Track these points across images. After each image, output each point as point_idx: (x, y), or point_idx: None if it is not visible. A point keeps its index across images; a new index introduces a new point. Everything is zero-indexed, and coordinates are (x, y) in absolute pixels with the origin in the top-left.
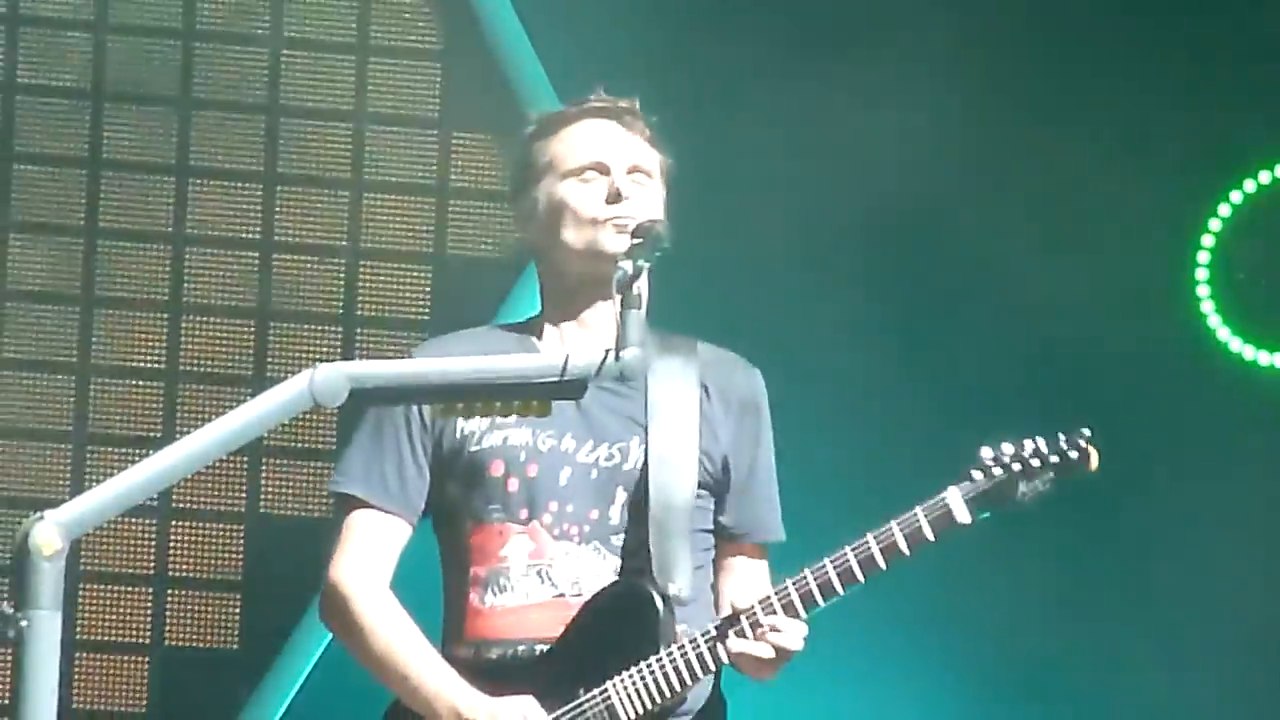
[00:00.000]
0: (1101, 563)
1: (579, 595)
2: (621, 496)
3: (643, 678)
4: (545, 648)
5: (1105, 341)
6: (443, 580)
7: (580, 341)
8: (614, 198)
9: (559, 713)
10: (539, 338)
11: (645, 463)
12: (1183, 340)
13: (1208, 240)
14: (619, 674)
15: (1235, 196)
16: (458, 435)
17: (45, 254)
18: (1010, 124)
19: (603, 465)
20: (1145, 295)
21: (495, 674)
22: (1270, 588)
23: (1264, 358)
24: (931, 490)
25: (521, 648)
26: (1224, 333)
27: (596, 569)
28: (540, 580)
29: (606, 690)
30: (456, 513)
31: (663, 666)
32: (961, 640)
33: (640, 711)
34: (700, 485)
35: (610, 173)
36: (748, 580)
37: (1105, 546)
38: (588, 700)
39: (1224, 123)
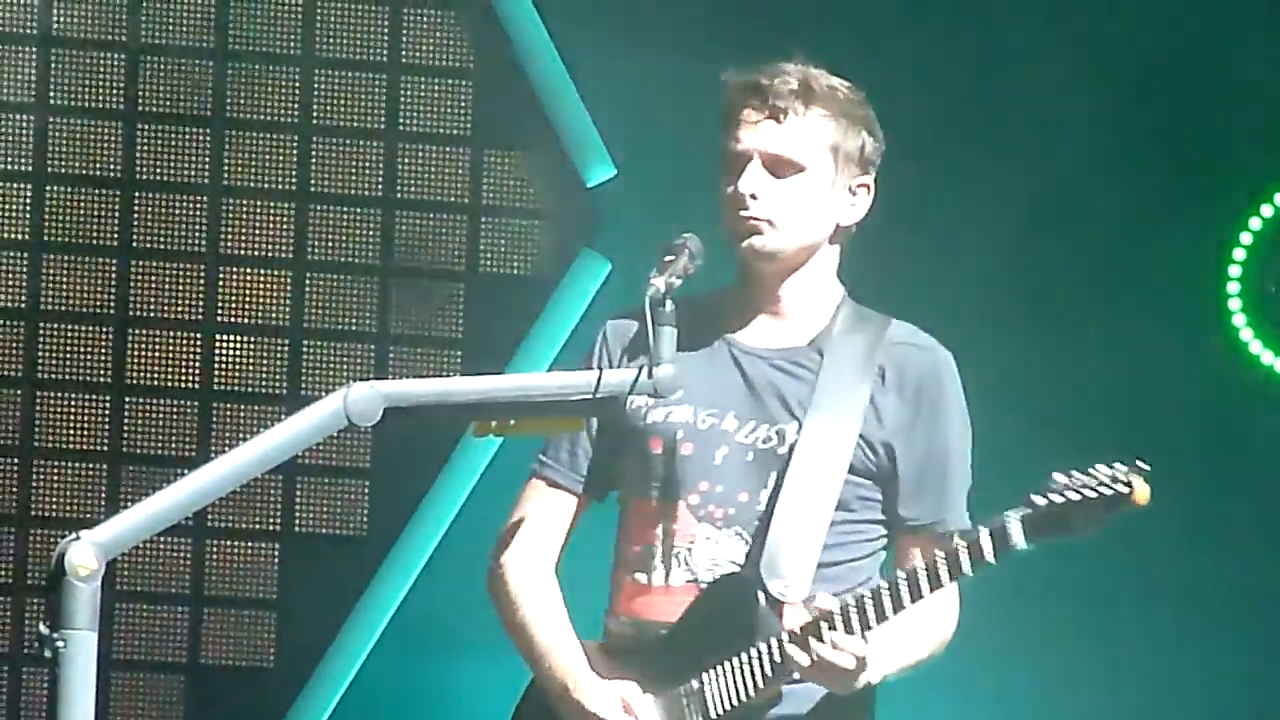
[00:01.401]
0: (1132, 575)
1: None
2: (771, 482)
3: (732, 673)
4: (666, 632)
5: (1137, 355)
6: (615, 544)
7: (767, 325)
8: (740, 202)
9: (661, 699)
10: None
11: (791, 449)
12: (1215, 353)
13: (1239, 254)
14: (716, 666)
15: (1266, 210)
16: (630, 407)
17: (80, 274)
18: (1043, 138)
19: (760, 447)
20: (1177, 308)
21: (630, 651)
22: None
23: None
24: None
25: (653, 629)
26: (1256, 345)
27: (736, 555)
28: (679, 564)
29: (702, 683)
30: (624, 486)
31: (749, 664)
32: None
33: (730, 706)
34: (857, 473)
35: (744, 171)
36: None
37: (1135, 558)
38: (685, 690)
39: (1257, 135)
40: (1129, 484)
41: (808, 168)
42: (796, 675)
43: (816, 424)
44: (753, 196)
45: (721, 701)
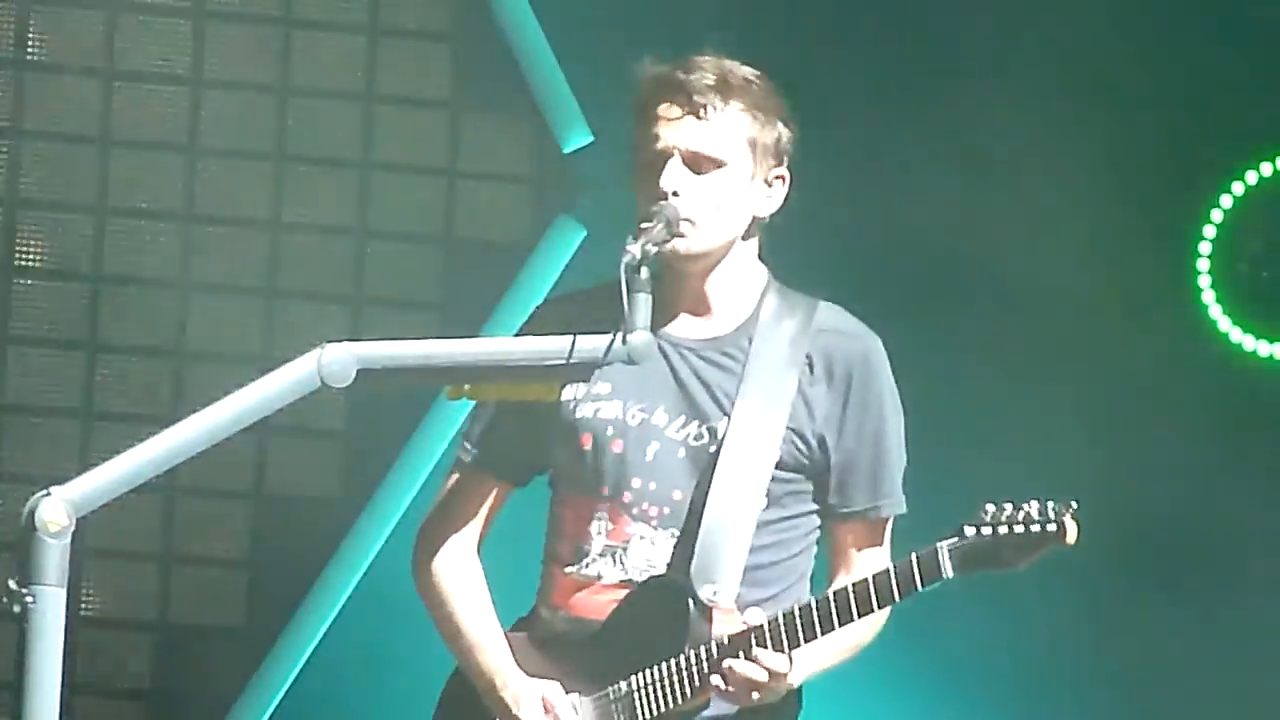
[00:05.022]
0: (1102, 556)
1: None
2: (703, 480)
3: (661, 679)
4: (597, 630)
5: (1107, 333)
6: (545, 537)
7: (692, 316)
8: (659, 198)
9: (589, 700)
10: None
11: (719, 448)
12: (1185, 331)
13: (1209, 231)
14: (645, 671)
15: (1237, 188)
16: (560, 398)
17: (55, 231)
18: (1009, 118)
19: (691, 444)
20: (1147, 287)
21: (559, 646)
22: (1273, 580)
23: (1265, 348)
24: (928, 488)
25: (585, 626)
26: (1225, 323)
27: (671, 556)
28: (614, 563)
29: (630, 686)
30: (555, 479)
31: (678, 672)
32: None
33: (657, 712)
34: (788, 467)
35: (664, 168)
36: (858, 561)
37: (1105, 539)
38: (613, 693)
39: (1225, 114)
40: (1059, 524)
41: (728, 163)
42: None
43: (745, 419)
44: (674, 194)
45: (649, 708)
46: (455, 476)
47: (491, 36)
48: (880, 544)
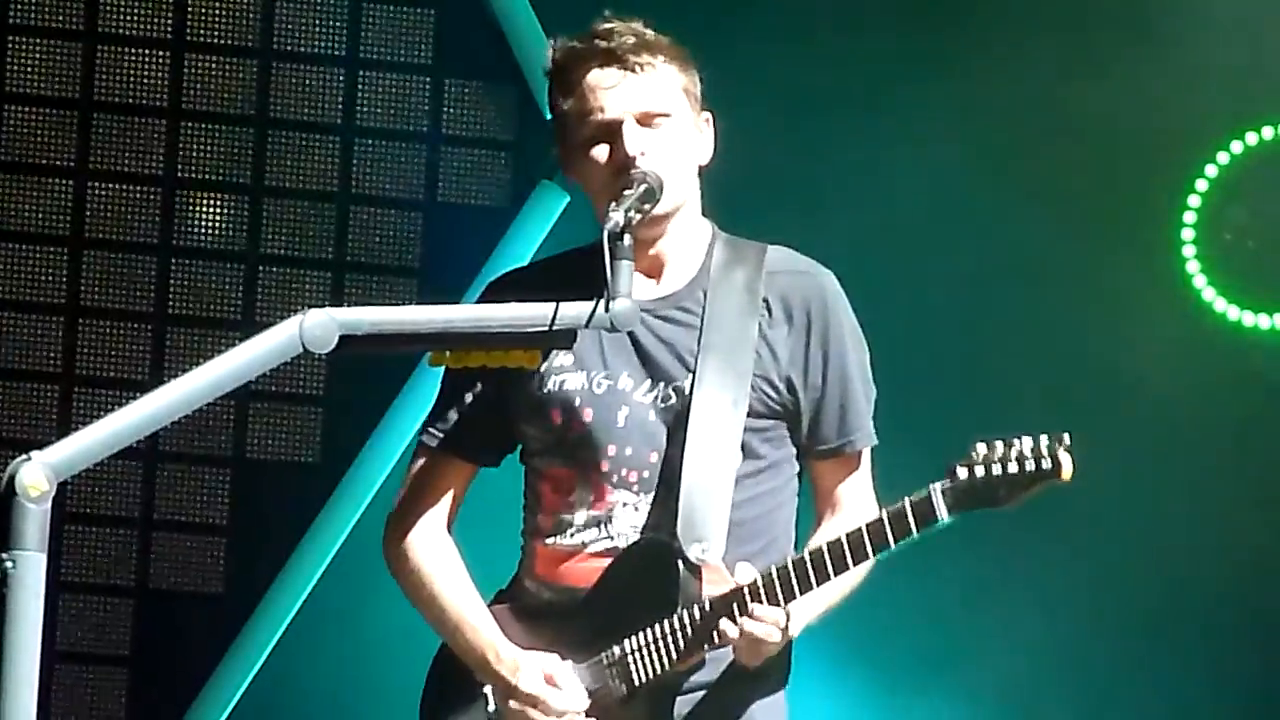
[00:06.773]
0: (1082, 523)
1: None
2: (677, 440)
3: (655, 640)
4: (586, 597)
5: (1092, 303)
6: (523, 512)
7: (644, 277)
8: (624, 167)
9: (582, 666)
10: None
11: (688, 406)
12: (1171, 303)
13: (1194, 201)
14: (638, 633)
15: (1221, 158)
16: (527, 379)
17: (34, 195)
18: (991, 91)
19: (659, 407)
20: (1133, 259)
21: (547, 616)
22: (1256, 544)
23: (1249, 319)
24: (912, 460)
25: (573, 594)
26: (1209, 293)
27: (654, 519)
28: (599, 531)
29: (624, 650)
30: (530, 454)
31: (672, 633)
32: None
33: (653, 674)
34: (760, 414)
35: (619, 133)
36: (839, 499)
37: (1087, 507)
38: (607, 657)
39: (1210, 85)
40: (1054, 460)
41: (672, 114)
42: (718, 643)
43: (710, 373)
44: (641, 154)
45: (645, 669)
46: (422, 460)
47: (474, 1)
48: (858, 470)
